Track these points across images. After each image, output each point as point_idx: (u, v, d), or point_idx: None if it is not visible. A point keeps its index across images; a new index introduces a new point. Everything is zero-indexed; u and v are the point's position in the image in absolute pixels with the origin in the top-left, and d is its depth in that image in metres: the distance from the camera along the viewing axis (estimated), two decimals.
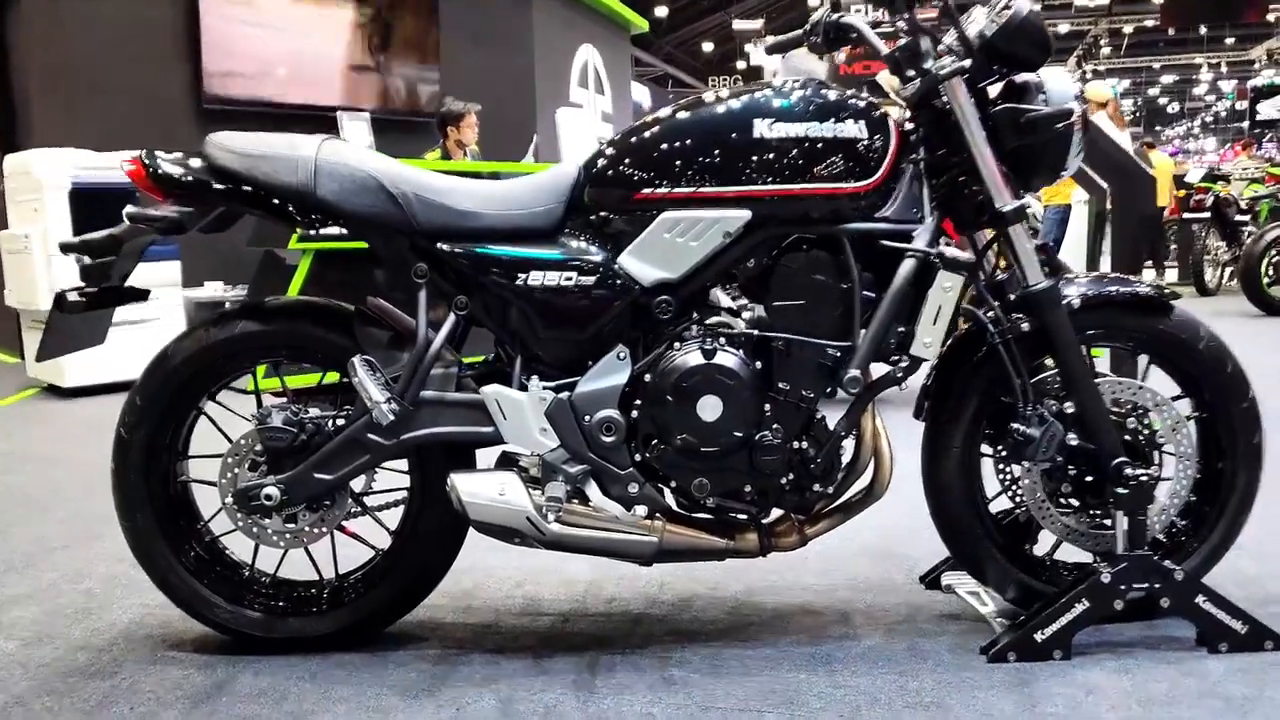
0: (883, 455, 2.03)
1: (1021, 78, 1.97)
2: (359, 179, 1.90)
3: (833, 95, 1.91)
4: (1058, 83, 1.94)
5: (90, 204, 5.26)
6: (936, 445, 2.09)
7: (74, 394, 5.43)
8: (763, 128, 1.87)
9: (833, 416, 1.96)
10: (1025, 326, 1.98)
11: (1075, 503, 2.07)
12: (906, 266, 1.88)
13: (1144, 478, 1.94)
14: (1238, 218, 8.93)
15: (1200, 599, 1.94)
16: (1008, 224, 1.94)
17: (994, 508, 2.14)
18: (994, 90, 2.01)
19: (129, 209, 1.89)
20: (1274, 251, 7.70)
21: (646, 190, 1.89)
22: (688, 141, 1.89)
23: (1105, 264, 5.08)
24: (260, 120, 7.26)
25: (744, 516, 1.99)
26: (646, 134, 1.93)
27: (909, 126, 1.97)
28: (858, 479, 2.05)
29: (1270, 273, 7.74)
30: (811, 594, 2.34)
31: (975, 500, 2.09)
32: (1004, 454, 2.08)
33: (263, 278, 5.22)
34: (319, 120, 6.59)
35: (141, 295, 2.12)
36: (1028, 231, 1.97)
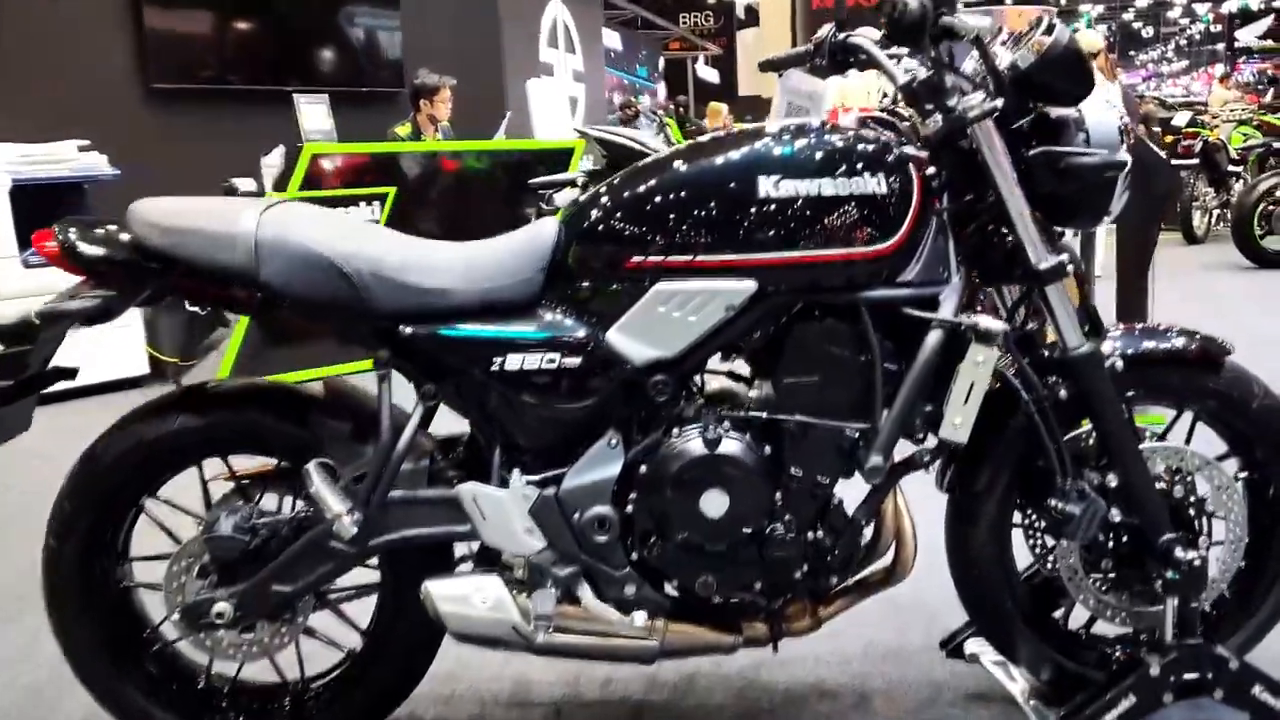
0: (905, 535, 1.83)
1: (1057, 112, 1.72)
2: (306, 256, 1.64)
3: (841, 142, 1.67)
4: (1100, 116, 1.70)
5: (32, 202, 4.93)
6: (964, 515, 1.89)
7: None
8: (767, 186, 1.63)
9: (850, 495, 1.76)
10: (1063, 393, 1.77)
11: (1114, 575, 1.88)
12: (934, 338, 1.66)
13: (1196, 560, 1.75)
14: (1229, 166, 8.70)
15: (1257, 689, 1.77)
16: (1045, 283, 1.71)
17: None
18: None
19: (41, 308, 1.63)
20: (1266, 203, 7.51)
21: (637, 258, 1.66)
22: (683, 200, 1.65)
23: (1103, 233, 4.89)
24: (211, 101, 6.92)
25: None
26: (639, 188, 1.68)
27: (930, 171, 1.73)
28: (878, 559, 1.85)
29: (1262, 224, 7.56)
30: (824, 667, 2.15)
31: (1007, 575, 1.90)
32: (1038, 524, 1.89)
33: None
34: (273, 99, 6.27)
35: (68, 374, 1.87)
36: (1064, 290, 1.75)
